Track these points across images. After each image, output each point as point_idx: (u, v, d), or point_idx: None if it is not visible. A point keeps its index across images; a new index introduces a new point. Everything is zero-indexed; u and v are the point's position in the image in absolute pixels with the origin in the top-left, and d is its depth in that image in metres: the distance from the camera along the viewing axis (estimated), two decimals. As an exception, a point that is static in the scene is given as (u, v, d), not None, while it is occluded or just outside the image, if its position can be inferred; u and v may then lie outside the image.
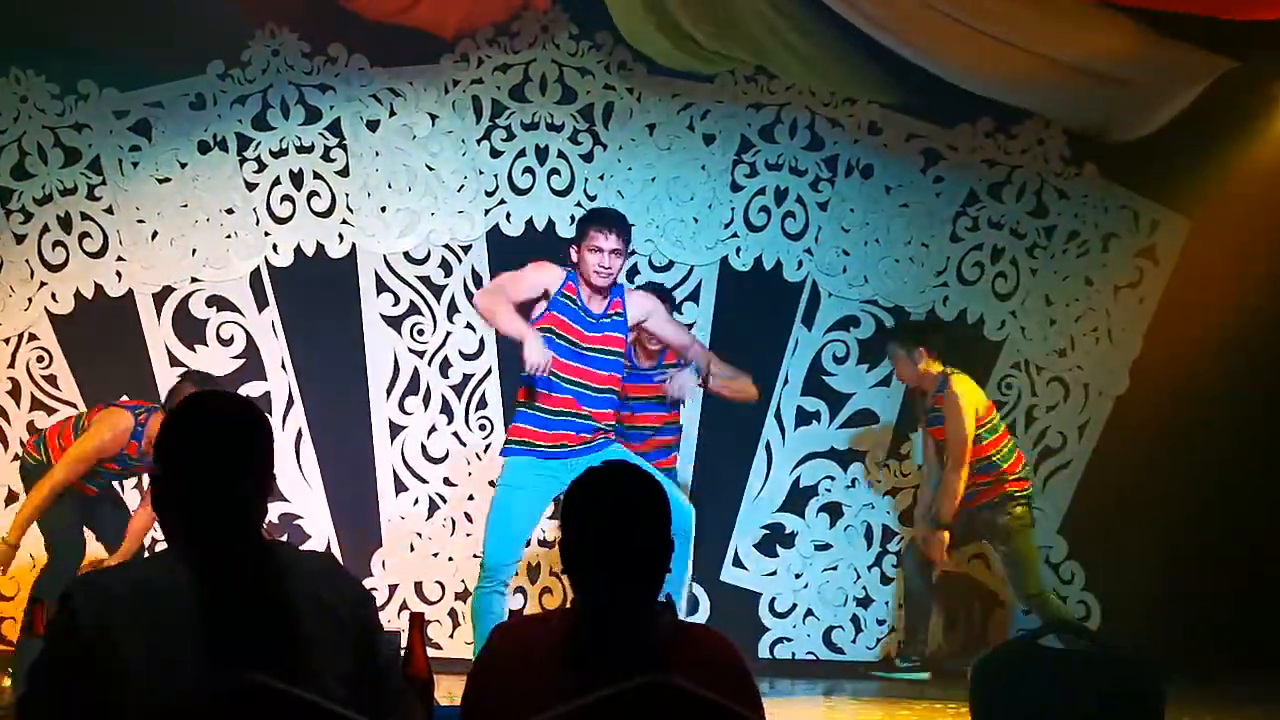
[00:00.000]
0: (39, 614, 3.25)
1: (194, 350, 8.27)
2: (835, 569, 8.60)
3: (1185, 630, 8.10)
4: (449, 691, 6.82)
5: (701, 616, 8.39)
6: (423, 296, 8.44)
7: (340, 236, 8.40)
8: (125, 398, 7.57)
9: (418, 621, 3.11)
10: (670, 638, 2.61)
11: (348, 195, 8.41)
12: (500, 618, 6.19)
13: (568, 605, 2.73)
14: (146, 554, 7.09)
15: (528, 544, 6.82)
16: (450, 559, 8.36)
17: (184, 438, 2.63)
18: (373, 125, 8.44)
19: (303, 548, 7.95)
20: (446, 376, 8.45)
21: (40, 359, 8.21)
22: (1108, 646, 4.20)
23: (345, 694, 2.58)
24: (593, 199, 8.53)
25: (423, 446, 8.42)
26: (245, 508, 2.62)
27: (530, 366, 6.10)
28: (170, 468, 2.62)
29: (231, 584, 2.53)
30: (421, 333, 8.43)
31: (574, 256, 6.36)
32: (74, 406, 8.10)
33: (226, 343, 8.31)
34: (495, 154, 8.51)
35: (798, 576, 8.58)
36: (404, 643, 3.16)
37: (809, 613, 8.57)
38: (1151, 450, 8.31)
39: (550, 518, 7.84)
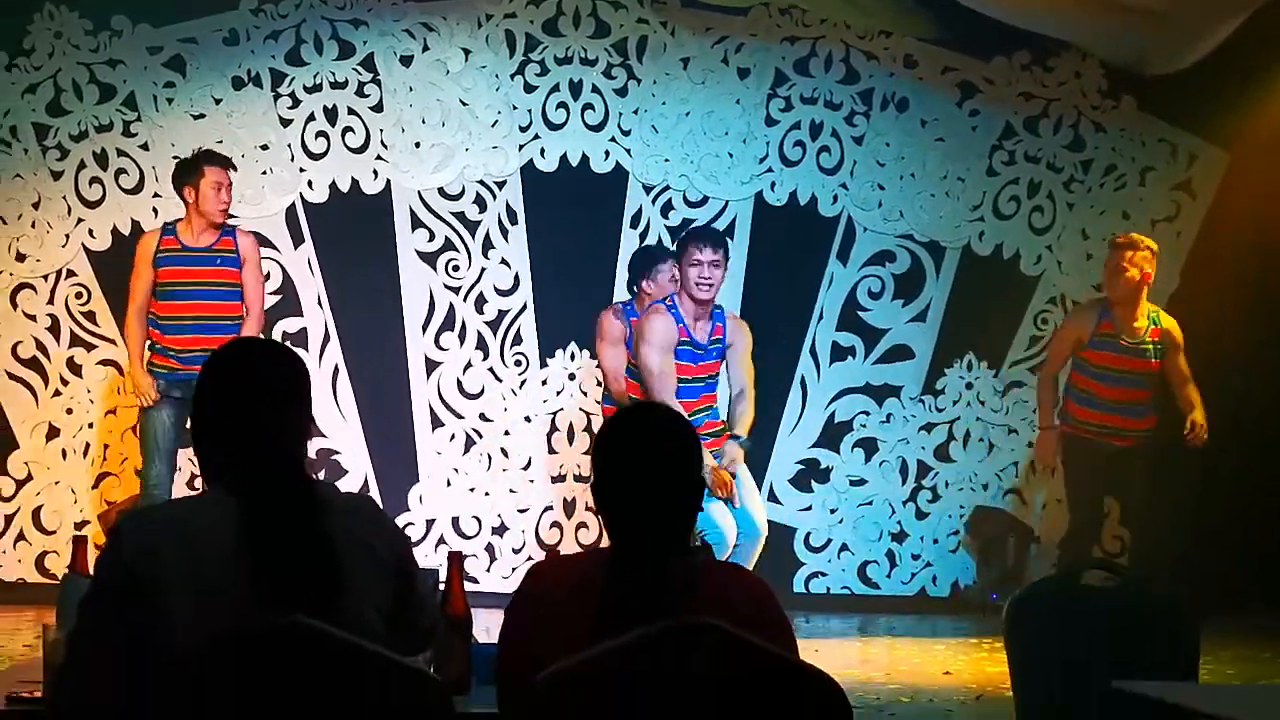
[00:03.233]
0: (82, 551, 3.28)
1: (230, 287, 8.30)
2: (870, 504, 8.62)
3: (1219, 564, 8.11)
4: (486, 627, 6.90)
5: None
6: (458, 232, 8.45)
7: (375, 172, 8.41)
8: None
9: (456, 560, 3.14)
10: (703, 577, 2.63)
11: (382, 131, 8.41)
12: None
13: (602, 544, 2.75)
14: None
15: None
16: (487, 494, 8.41)
17: (225, 378, 2.66)
18: (406, 60, 8.42)
19: (340, 485, 8.04)
20: (482, 312, 8.46)
21: (79, 295, 8.25)
22: (1142, 584, 4.22)
23: (384, 631, 2.62)
24: (626, 134, 8.52)
25: (458, 382, 8.45)
26: (286, 446, 2.65)
27: None
28: (211, 407, 2.65)
29: (274, 521, 2.56)
30: (457, 269, 8.45)
31: (673, 272, 6.88)
32: (113, 343, 8.16)
33: (264, 278, 8.31)
34: (529, 89, 8.49)
35: (833, 512, 8.61)
36: (443, 580, 3.18)
37: (844, 548, 8.60)
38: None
39: (584, 453, 7.90)
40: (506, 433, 8.46)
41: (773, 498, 8.55)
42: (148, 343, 7.29)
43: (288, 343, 8.14)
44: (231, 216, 7.68)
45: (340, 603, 2.55)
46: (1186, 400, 7.51)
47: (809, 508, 8.61)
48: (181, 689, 2.33)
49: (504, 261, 8.45)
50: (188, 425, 7.02)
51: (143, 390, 7.20)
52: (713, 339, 6.80)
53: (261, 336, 8.07)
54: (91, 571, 2.60)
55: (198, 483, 7.23)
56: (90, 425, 8.21)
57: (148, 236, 7.41)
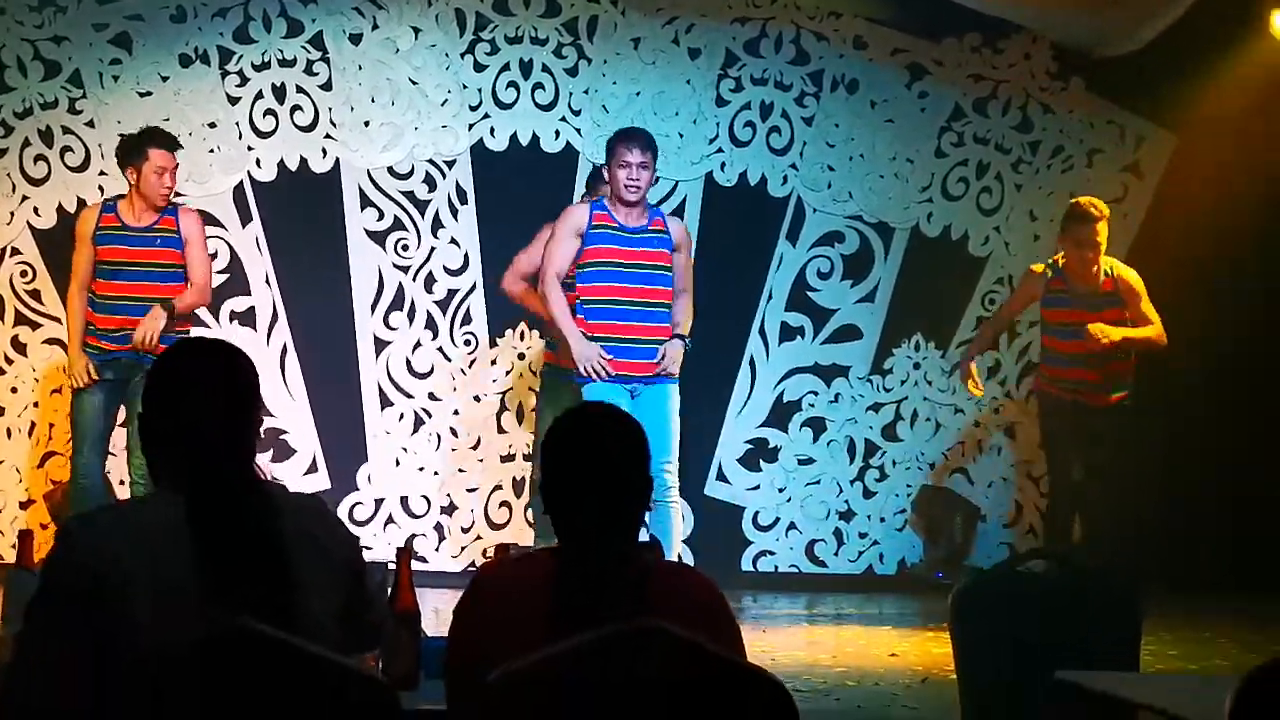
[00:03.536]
0: (28, 545, 3.27)
1: (178, 265, 8.24)
2: (818, 483, 8.67)
3: (1181, 546, 8.21)
4: (435, 607, 6.91)
5: (686, 530, 8.46)
6: (407, 211, 8.43)
7: (323, 151, 8.37)
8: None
9: (404, 555, 3.15)
10: (651, 577, 2.65)
11: (330, 109, 8.37)
12: None
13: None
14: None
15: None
16: (436, 473, 8.41)
17: (171, 379, 2.65)
18: (355, 39, 8.38)
19: (289, 464, 8.01)
20: (431, 292, 8.45)
21: (24, 273, 8.18)
22: (1084, 570, 4.27)
23: (335, 630, 2.62)
24: (577, 114, 8.51)
25: (407, 361, 8.44)
26: (235, 448, 2.65)
27: (583, 369, 6.55)
28: (159, 409, 2.64)
29: (224, 523, 2.55)
30: (406, 248, 8.42)
31: (605, 175, 6.77)
32: (58, 322, 8.09)
33: (210, 257, 8.24)
34: (479, 68, 8.47)
35: (781, 491, 8.65)
36: (391, 575, 3.18)
37: (792, 526, 8.64)
38: (1136, 364, 8.34)
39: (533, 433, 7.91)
40: (455, 412, 8.45)
41: (721, 477, 8.59)
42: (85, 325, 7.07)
43: (235, 322, 8.20)
44: (178, 195, 7.62)
45: (291, 601, 2.56)
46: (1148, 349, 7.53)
47: (757, 487, 8.65)
48: (138, 693, 2.32)
49: (453, 241, 8.43)
50: (120, 410, 7.02)
51: (77, 371, 6.91)
52: (650, 228, 6.69)
53: (206, 313, 8.05)
54: (41, 572, 2.59)
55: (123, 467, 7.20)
56: (35, 404, 8.15)
57: (87, 212, 7.13)
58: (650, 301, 6.66)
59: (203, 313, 8.20)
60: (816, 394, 8.67)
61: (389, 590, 3.19)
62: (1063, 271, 7.50)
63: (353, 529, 8.24)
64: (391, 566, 3.24)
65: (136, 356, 6.76)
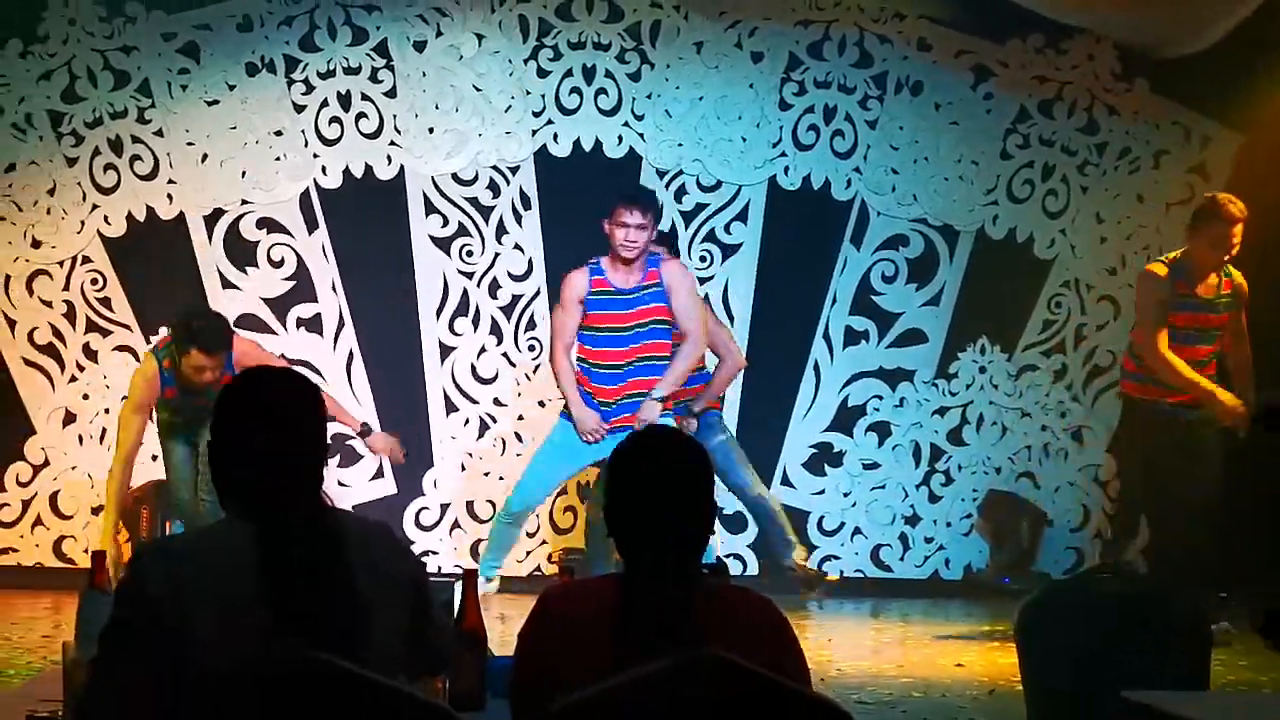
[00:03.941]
0: (102, 564, 3.31)
1: (245, 272, 8.33)
2: (883, 488, 8.64)
3: (1244, 547, 8.12)
4: (500, 613, 6.96)
5: (749, 535, 8.47)
6: (471, 218, 8.47)
7: (388, 158, 8.42)
8: (164, 330, 7.53)
9: (470, 577, 3.17)
10: (716, 603, 2.65)
11: (395, 116, 8.42)
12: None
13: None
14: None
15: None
16: (501, 478, 8.44)
17: (241, 408, 2.68)
18: (419, 46, 8.42)
19: (356, 470, 8.06)
20: (495, 298, 8.49)
21: (94, 281, 8.28)
22: (1153, 585, 4.25)
23: (400, 654, 2.65)
24: (640, 119, 8.52)
25: (472, 367, 8.48)
26: (303, 475, 2.67)
27: (582, 438, 6.98)
28: (228, 437, 2.67)
29: (293, 551, 2.58)
30: (470, 254, 8.47)
31: (605, 230, 6.95)
32: (129, 329, 8.21)
33: (277, 264, 8.36)
34: (542, 74, 8.49)
35: (846, 495, 8.63)
36: (458, 596, 3.21)
37: (857, 531, 8.63)
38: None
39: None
40: (520, 417, 8.49)
41: (786, 481, 8.58)
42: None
43: (302, 328, 8.28)
44: (245, 203, 7.68)
45: (357, 628, 2.58)
46: (1241, 365, 7.16)
47: (822, 491, 8.64)
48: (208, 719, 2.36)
49: (517, 247, 8.47)
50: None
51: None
52: (645, 284, 6.95)
53: (274, 320, 8.13)
54: (113, 599, 2.62)
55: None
56: (106, 411, 8.23)
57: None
58: (648, 356, 6.96)
59: (270, 320, 8.31)
60: (881, 398, 8.65)
61: (455, 609, 3.22)
62: (1186, 273, 7.05)
63: (418, 534, 8.36)
64: (458, 585, 3.26)
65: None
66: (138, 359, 7.98)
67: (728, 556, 8.41)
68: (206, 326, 6.84)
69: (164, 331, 7.56)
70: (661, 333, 6.98)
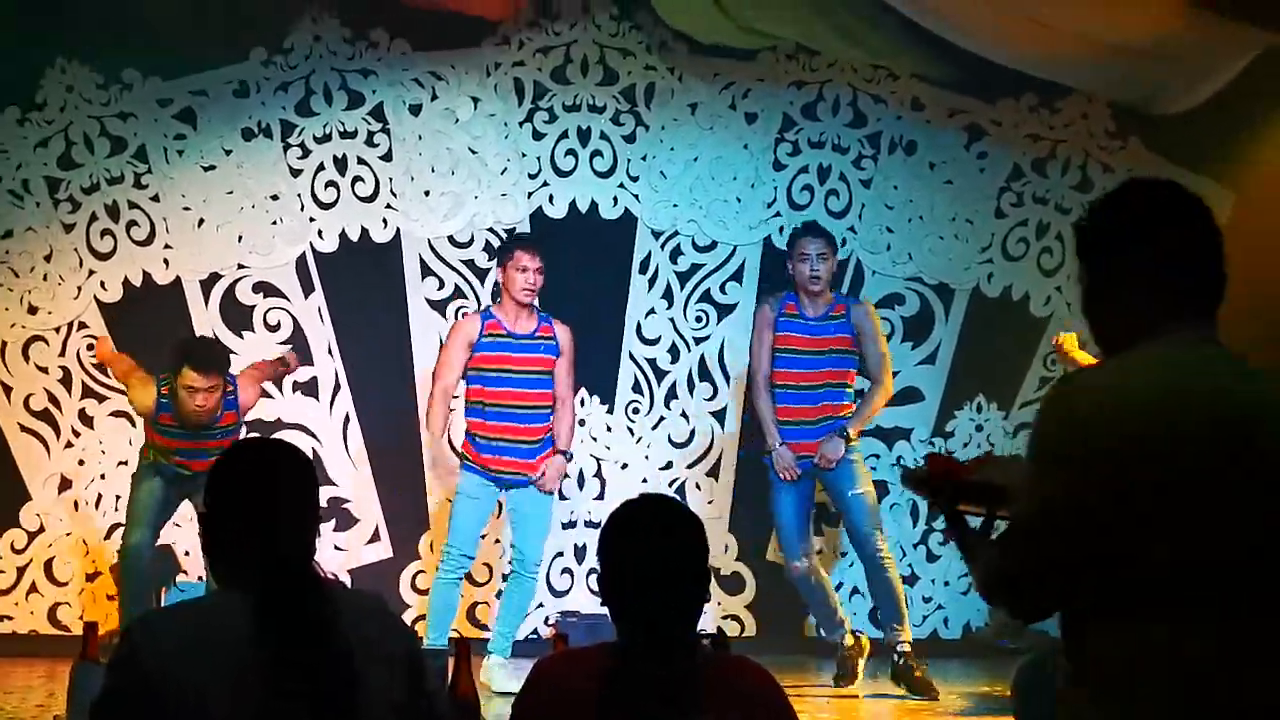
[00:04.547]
0: (93, 637, 3.30)
1: (241, 336, 8.33)
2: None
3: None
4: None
5: (748, 595, 8.43)
6: (467, 280, 8.49)
7: (384, 221, 8.45)
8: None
9: (464, 646, 3.16)
10: (710, 671, 2.64)
11: (391, 180, 8.45)
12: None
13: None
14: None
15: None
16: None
17: (233, 482, 2.68)
18: (415, 109, 8.47)
19: (351, 533, 8.02)
20: (492, 359, 8.48)
21: (90, 347, 8.27)
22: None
23: (396, 724, 2.64)
24: (635, 180, 8.55)
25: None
26: (298, 548, 2.67)
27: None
28: (221, 511, 2.67)
29: (289, 624, 2.57)
30: (466, 316, 8.46)
31: (499, 277, 7.10)
32: (123, 394, 8.18)
33: (274, 328, 8.36)
34: (538, 136, 8.53)
35: (843, 555, 8.61)
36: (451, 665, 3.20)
37: (854, 591, 8.59)
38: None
39: (595, 498, 7.87)
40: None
41: (784, 541, 8.53)
42: None
43: (298, 392, 8.27)
44: (242, 268, 7.69)
45: (354, 700, 2.58)
46: None
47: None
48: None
49: (514, 308, 8.46)
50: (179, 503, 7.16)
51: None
52: (539, 334, 7.09)
53: (269, 384, 8.13)
54: (106, 672, 2.61)
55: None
56: (102, 477, 8.23)
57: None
58: (535, 405, 7.05)
59: (266, 383, 8.29)
60: (878, 457, 8.63)
61: (449, 677, 3.21)
62: None
63: (414, 597, 8.32)
64: (451, 655, 3.26)
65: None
66: (133, 425, 8.01)
67: (724, 619, 8.39)
68: (201, 345, 7.15)
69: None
70: (549, 383, 7.11)
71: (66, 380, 8.28)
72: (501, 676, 6.87)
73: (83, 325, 8.29)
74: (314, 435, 8.31)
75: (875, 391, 7.27)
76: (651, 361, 8.55)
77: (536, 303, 7.10)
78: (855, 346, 7.20)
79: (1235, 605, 2.39)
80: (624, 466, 8.46)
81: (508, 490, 7.09)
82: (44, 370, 8.27)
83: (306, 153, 8.41)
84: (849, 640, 7.17)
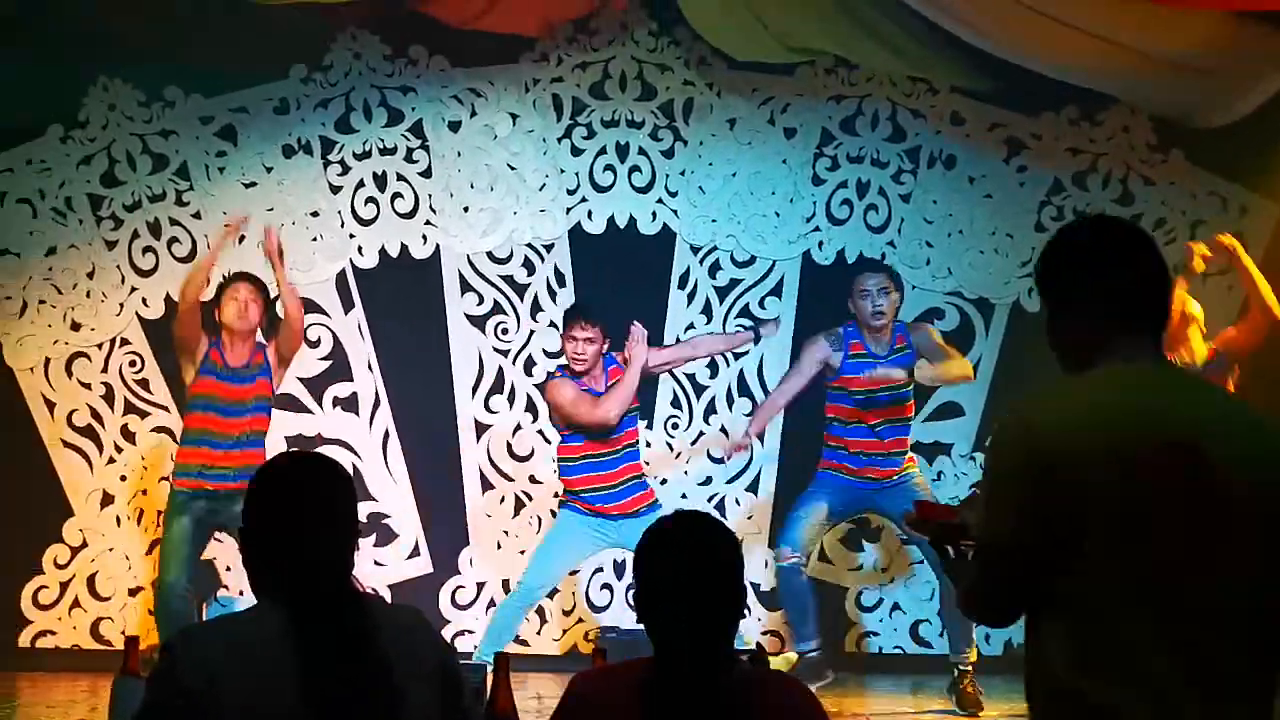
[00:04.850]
0: (134, 651, 3.32)
1: (282, 352, 8.36)
2: (921, 563, 8.55)
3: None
4: (537, 693, 6.92)
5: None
6: (506, 295, 8.51)
7: (424, 237, 8.47)
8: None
9: (503, 663, 3.15)
10: (747, 689, 2.63)
11: (431, 196, 8.48)
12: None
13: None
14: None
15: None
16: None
17: (271, 496, 2.69)
18: (454, 126, 8.49)
19: (392, 548, 8.05)
20: (530, 375, 8.50)
21: (132, 363, 8.34)
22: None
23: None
24: (674, 195, 8.56)
25: (508, 444, 8.49)
26: (336, 562, 2.68)
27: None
28: (261, 524, 2.68)
29: (326, 637, 2.58)
30: (505, 331, 8.49)
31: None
32: (166, 410, 8.25)
33: (314, 344, 8.39)
34: (576, 152, 8.55)
35: (884, 570, 8.58)
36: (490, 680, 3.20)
37: (895, 607, 8.56)
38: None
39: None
40: (556, 495, 8.47)
41: (823, 557, 8.53)
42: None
43: (338, 407, 8.29)
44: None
45: (392, 714, 2.58)
46: None
47: (860, 567, 8.58)
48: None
49: (552, 324, 8.48)
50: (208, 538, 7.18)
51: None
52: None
53: (310, 399, 8.15)
54: (146, 686, 2.62)
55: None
56: (144, 492, 8.27)
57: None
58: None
59: (307, 399, 8.33)
60: (919, 472, 8.58)
61: (486, 692, 3.21)
62: None
63: (454, 613, 8.33)
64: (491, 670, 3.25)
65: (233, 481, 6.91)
66: (175, 440, 8.03)
67: (764, 635, 8.36)
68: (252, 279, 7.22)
69: None
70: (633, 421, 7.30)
71: (109, 396, 8.33)
72: None
73: (125, 341, 8.35)
74: (354, 450, 8.33)
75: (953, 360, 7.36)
76: (690, 377, 8.55)
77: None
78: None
79: (1182, 613, 2.47)
80: (663, 482, 8.45)
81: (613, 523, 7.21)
82: (87, 386, 8.32)
83: (346, 169, 8.45)
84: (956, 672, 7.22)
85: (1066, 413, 2.60)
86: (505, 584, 8.41)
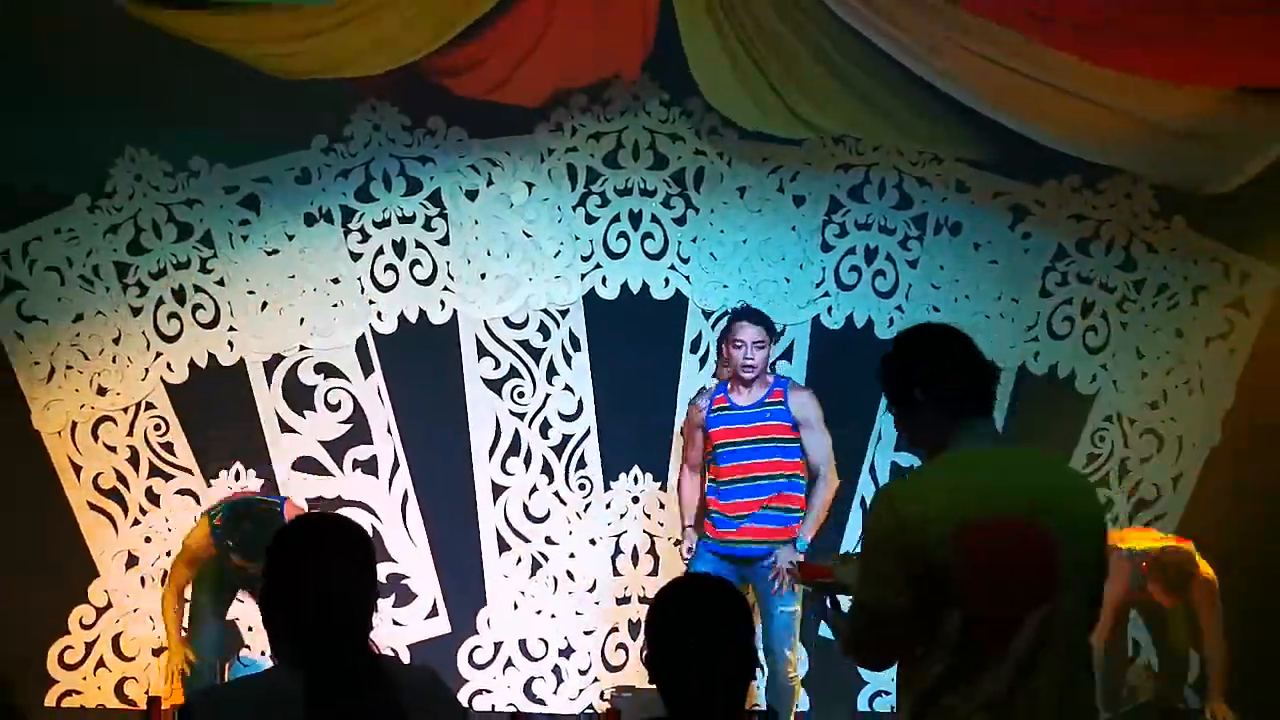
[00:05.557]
0: (156, 711, 3.44)
1: (303, 416, 8.53)
2: (931, 622, 8.66)
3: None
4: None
5: (800, 671, 8.49)
6: (522, 360, 8.66)
7: (442, 303, 8.64)
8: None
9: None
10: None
11: (448, 263, 8.65)
12: None
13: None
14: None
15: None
16: (553, 616, 8.56)
17: (290, 557, 2.81)
18: (472, 195, 8.67)
19: (410, 609, 8.16)
20: (546, 437, 8.65)
21: (158, 427, 8.50)
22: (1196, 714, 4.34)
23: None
24: (685, 261, 8.73)
25: (524, 506, 8.62)
26: (354, 624, 2.79)
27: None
28: (279, 585, 2.80)
29: (344, 699, 2.69)
30: (522, 395, 8.65)
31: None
32: (190, 473, 8.41)
33: (334, 408, 8.56)
34: (590, 220, 8.73)
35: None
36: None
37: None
38: (1246, 502, 8.34)
39: (649, 574, 7.96)
40: (572, 555, 8.61)
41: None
42: None
43: (358, 470, 8.45)
44: (303, 348, 7.92)
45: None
46: None
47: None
48: None
49: (567, 387, 8.64)
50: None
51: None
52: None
53: (330, 462, 8.31)
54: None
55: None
56: (168, 554, 8.38)
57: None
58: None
59: (327, 462, 8.49)
60: (928, 532, 8.70)
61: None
62: None
63: (472, 672, 8.44)
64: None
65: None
66: (199, 502, 8.22)
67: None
68: (248, 533, 7.02)
69: (218, 486, 7.86)
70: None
71: (134, 459, 8.48)
72: None
73: (150, 405, 8.51)
74: (373, 512, 8.48)
75: (821, 488, 7.31)
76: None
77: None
78: (795, 433, 7.31)
79: (1023, 656, 3.17)
80: (677, 544, 8.57)
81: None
82: (112, 450, 8.48)
83: (366, 237, 8.63)
84: None
85: (921, 491, 3.29)
86: (522, 644, 8.54)
